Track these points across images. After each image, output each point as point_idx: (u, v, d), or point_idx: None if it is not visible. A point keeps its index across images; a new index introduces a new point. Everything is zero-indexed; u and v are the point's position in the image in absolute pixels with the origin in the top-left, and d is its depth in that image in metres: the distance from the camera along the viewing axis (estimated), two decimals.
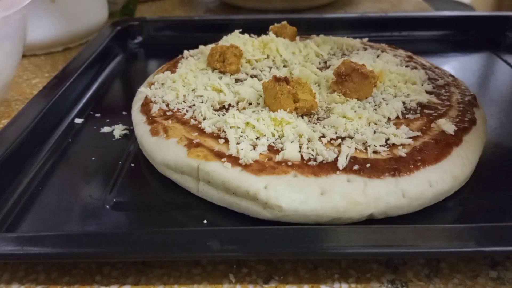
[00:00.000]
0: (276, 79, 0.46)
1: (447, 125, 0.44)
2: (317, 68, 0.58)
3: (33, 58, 0.81)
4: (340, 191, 0.37)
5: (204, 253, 0.34)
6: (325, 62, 0.61)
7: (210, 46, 0.63)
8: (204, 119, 0.47)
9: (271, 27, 0.67)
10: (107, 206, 0.42)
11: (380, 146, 0.42)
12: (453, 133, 0.44)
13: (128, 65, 0.76)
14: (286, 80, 0.46)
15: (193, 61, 0.60)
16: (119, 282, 0.35)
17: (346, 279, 0.35)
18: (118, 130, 0.54)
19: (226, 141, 0.43)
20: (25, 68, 0.77)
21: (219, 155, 0.41)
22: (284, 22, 0.67)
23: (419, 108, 0.48)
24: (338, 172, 0.39)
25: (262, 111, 0.46)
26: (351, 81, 0.48)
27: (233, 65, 0.56)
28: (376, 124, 0.45)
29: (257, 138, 0.43)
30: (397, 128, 0.44)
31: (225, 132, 0.43)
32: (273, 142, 0.43)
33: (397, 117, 0.47)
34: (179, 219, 0.41)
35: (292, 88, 0.46)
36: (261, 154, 0.41)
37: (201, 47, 0.64)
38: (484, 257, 0.37)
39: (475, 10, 1.71)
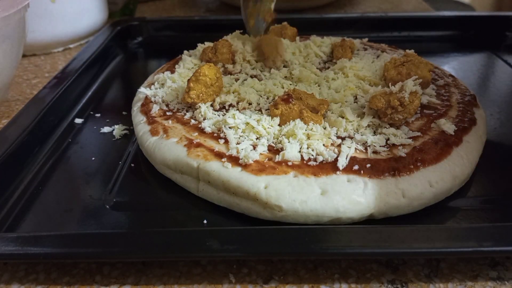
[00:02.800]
0: (285, 100, 0.44)
1: (447, 125, 0.44)
2: (317, 68, 0.58)
3: (33, 58, 0.81)
4: (340, 191, 0.37)
5: (204, 253, 0.34)
6: (325, 63, 0.61)
7: (207, 44, 0.63)
8: (204, 119, 0.47)
9: (271, 27, 0.67)
10: (107, 206, 0.42)
11: (380, 146, 0.42)
12: (453, 133, 0.44)
13: (128, 65, 0.76)
14: (290, 96, 0.45)
15: (189, 59, 0.60)
16: (119, 282, 0.35)
17: (346, 279, 0.35)
18: (118, 130, 0.54)
19: (226, 141, 0.43)
20: (25, 68, 0.77)
21: (219, 155, 0.41)
22: (285, 23, 0.67)
23: (419, 108, 0.48)
24: (338, 172, 0.39)
25: (262, 114, 0.46)
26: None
27: (225, 54, 0.57)
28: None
29: (257, 138, 0.43)
30: (397, 128, 0.44)
31: (225, 132, 0.44)
32: (273, 142, 0.43)
33: None
34: (179, 219, 0.41)
35: (303, 100, 0.45)
36: (261, 154, 0.41)
37: (200, 45, 0.64)
38: (484, 257, 0.37)
39: (475, 10, 1.71)
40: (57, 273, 0.36)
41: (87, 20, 0.85)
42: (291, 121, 0.43)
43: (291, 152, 0.40)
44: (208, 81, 0.48)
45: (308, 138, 0.42)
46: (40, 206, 0.43)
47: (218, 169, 0.40)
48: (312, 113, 0.44)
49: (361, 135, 0.43)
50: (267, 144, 0.42)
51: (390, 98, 0.43)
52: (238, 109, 0.48)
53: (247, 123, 0.44)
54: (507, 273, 0.36)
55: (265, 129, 0.44)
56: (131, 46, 0.82)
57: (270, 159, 0.40)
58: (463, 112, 0.48)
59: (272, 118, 0.45)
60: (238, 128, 0.44)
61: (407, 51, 0.56)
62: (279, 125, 0.44)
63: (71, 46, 0.86)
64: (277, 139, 0.43)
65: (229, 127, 0.44)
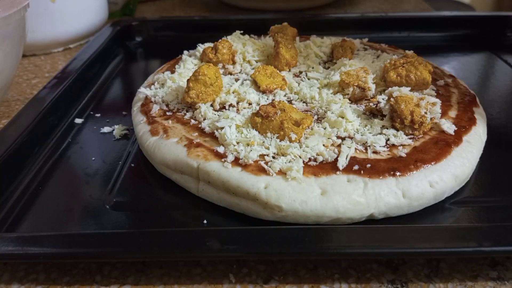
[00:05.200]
0: (268, 109, 0.43)
1: (447, 125, 0.44)
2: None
3: (33, 58, 0.81)
4: (340, 191, 0.37)
5: (204, 253, 0.34)
6: (325, 63, 0.61)
7: (207, 44, 0.63)
8: (204, 119, 0.47)
9: (271, 27, 0.67)
10: (107, 206, 0.42)
11: (380, 146, 0.42)
12: (453, 133, 0.44)
13: (128, 65, 0.76)
14: (273, 105, 0.43)
15: (189, 59, 0.60)
16: (119, 282, 0.35)
17: (346, 279, 0.35)
18: (118, 130, 0.54)
19: None
20: (25, 68, 0.77)
21: (219, 155, 0.41)
22: (285, 23, 0.67)
23: None
24: (338, 172, 0.39)
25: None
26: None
27: (225, 55, 0.57)
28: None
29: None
30: (397, 130, 0.44)
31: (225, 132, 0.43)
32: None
33: None
34: (179, 219, 0.41)
35: (286, 112, 0.43)
36: (260, 154, 0.41)
37: (200, 45, 0.64)
38: (484, 257, 0.37)
39: (475, 10, 1.71)
40: (57, 273, 0.36)
41: (87, 20, 0.85)
42: (269, 133, 0.42)
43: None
44: (208, 80, 0.48)
45: (283, 154, 0.41)
46: (40, 206, 0.43)
47: (218, 169, 0.40)
48: (293, 125, 0.42)
49: (361, 135, 0.43)
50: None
51: (414, 111, 0.43)
52: (238, 109, 0.48)
53: (247, 123, 0.44)
54: (507, 273, 0.35)
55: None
56: (131, 46, 0.82)
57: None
58: (463, 112, 0.48)
59: (252, 127, 0.44)
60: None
61: (407, 51, 0.56)
62: (259, 132, 0.43)
63: (71, 46, 0.86)
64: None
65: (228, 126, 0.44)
